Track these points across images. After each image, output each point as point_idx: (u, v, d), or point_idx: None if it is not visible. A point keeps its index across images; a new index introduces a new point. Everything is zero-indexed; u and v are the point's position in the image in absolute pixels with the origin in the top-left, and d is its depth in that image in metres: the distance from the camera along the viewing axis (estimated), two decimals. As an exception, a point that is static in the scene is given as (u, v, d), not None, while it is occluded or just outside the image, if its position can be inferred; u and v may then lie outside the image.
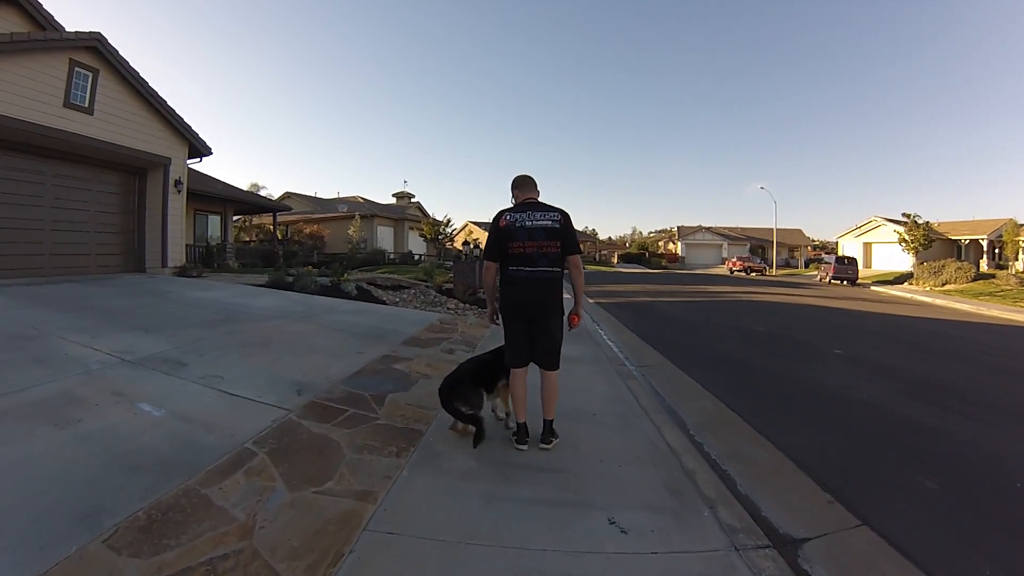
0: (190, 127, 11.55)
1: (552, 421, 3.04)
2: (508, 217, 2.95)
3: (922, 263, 27.01)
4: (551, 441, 3.01)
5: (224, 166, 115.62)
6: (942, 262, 26.09)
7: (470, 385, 3.07)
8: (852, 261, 28.95)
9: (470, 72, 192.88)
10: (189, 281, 9.94)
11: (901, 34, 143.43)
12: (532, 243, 2.88)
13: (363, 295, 9.71)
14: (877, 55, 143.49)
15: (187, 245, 13.76)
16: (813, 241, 58.61)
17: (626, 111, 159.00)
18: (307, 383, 3.84)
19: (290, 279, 10.07)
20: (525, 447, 2.98)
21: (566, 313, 3.06)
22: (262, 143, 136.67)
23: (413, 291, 11.54)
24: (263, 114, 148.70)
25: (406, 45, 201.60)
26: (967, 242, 33.09)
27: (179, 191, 11.52)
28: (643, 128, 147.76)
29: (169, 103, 10.97)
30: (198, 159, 12.41)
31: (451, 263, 17.58)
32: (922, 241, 28.05)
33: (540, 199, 3.11)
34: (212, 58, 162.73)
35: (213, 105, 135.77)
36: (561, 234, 2.92)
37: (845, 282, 27.01)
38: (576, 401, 3.89)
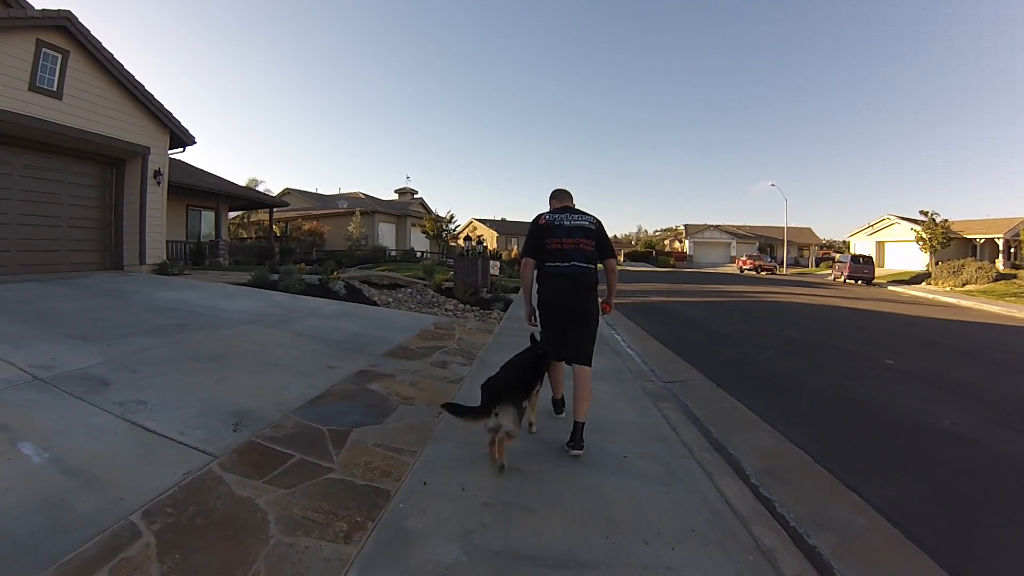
0: (171, 114, 10.73)
1: (584, 424, 2.87)
2: (548, 217, 3.09)
3: (938, 263, 25.95)
4: (582, 447, 2.85)
5: (224, 161, 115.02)
6: (961, 262, 24.99)
7: (519, 393, 2.70)
8: (868, 260, 27.85)
9: (474, 72, 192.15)
10: (165, 280, 9.14)
11: (907, 32, 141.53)
12: (571, 240, 2.97)
13: (353, 295, 8.90)
14: (885, 53, 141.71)
15: (171, 241, 12.97)
16: (822, 240, 57.30)
17: (629, 110, 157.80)
18: (251, 412, 2.98)
19: (275, 277, 9.29)
20: (563, 415, 3.32)
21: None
22: (263, 139, 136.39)
23: (410, 290, 10.75)
24: (264, 110, 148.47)
25: (409, 45, 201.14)
26: (982, 241, 31.94)
27: (159, 183, 10.71)
28: (646, 126, 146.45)
29: (148, 88, 10.15)
30: (181, 149, 11.61)
31: (453, 260, 16.73)
32: (940, 240, 26.99)
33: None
34: (212, 53, 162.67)
35: (213, 100, 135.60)
36: (596, 235, 3.04)
37: (861, 282, 25.98)
38: (601, 436, 3.03)
